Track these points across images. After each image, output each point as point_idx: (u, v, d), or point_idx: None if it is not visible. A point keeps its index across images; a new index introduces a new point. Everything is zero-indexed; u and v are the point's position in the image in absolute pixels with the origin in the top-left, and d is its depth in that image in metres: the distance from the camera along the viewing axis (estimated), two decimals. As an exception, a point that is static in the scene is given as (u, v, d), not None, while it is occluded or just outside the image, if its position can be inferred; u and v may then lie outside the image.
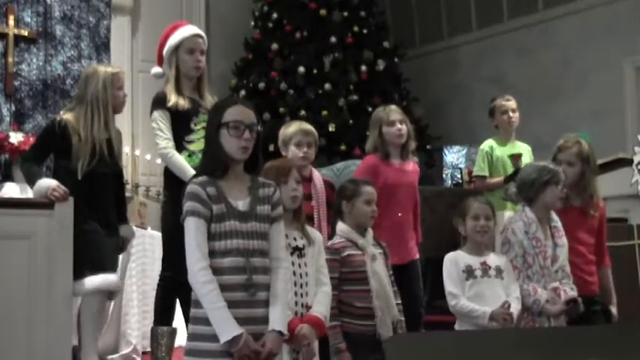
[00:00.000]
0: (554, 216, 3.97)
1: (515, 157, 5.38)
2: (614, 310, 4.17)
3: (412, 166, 4.63)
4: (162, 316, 4.31)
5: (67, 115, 4.06)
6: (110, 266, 4.05)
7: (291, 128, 4.26)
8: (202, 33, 4.42)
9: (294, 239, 3.33)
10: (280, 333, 2.78)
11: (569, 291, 3.82)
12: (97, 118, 4.03)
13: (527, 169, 4.05)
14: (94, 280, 3.95)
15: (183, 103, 4.22)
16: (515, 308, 3.68)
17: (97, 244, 3.99)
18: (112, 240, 4.13)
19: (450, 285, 3.76)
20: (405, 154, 4.56)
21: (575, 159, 4.14)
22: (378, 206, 3.90)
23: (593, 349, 2.17)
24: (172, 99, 4.21)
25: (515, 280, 3.82)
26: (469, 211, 3.83)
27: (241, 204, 2.84)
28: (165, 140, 4.20)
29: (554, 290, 3.79)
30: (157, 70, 4.48)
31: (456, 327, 3.80)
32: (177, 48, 4.30)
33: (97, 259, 3.96)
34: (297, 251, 3.32)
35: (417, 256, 4.49)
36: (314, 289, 3.32)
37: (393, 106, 4.65)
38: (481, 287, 3.71)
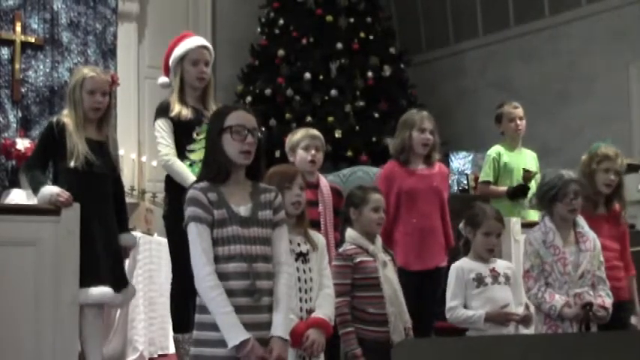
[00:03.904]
0: (582, 221, 3.94)
1: (527, 174, 5.31)
2: (634, 320, 4.18)
3: (437, 168, 4.58)
4: (180, 323, 4.31)
5: (64, 117, 4.10)
6: (106, 278, 4.04)
7: (298, 134, 4.32)
8: (208, 44, 4.42)
9: (298, 245, 3.34)
10: (283, 338, 2.77)
11: (587, 296, 3.77)
12: (76, 118, 4.06)
13: (542, 180, 4.02)
14: (90, 293, 3.94)
15: (186, 112, 4.23)
16: (523, 312, 3.67)
17: (95, 254, 3.97)
18: (110, 248, 4.11)
19: (449, 297, 3.73)
20: (429, 163, 4.53)
21: (621, 169, 4.27)
22: (396, 213, 3.84)
23: (605, 355, 2.15)
24: (176, 108, 4.23)
25: (521, 285, 3.81)
26: (482, 225, 3.75)
27: (243, 209, 2.83)
28: (166, 147, 4.21)
29: (579, 296, 3.76)
30: (163, 79, 4.50)
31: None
32: (182, 58, 4.32)
33: (93, 270, 3.95)
34: (302, 257, 3.33)
35: (444, 263, 4.34)
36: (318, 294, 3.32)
37: (426, 113, 4.62)
38: (492, 293, 3.68)
